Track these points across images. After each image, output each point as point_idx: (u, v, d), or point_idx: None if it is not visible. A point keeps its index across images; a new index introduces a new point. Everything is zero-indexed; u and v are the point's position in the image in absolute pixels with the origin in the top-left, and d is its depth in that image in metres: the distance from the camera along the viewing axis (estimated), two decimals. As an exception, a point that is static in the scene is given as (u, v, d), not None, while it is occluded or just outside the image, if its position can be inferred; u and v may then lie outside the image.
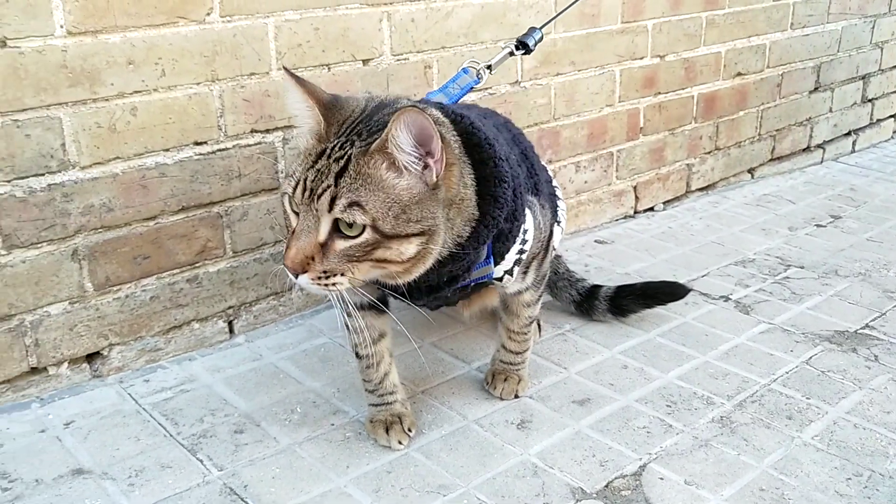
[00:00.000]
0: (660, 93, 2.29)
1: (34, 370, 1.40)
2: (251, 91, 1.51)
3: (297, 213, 1.04)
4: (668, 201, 2.47)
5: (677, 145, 2.41)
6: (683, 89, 2.36)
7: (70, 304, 1.40)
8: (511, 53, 1.41)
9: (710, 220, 2.39)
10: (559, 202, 1.52)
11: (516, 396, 1.45)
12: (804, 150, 2.90)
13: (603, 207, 2.27)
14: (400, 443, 1.30)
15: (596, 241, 2.21)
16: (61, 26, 1.28)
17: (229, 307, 1.60)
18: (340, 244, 1.01)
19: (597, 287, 1.71)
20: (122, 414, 1.38)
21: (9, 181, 1.29)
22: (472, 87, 1.32)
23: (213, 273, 1.56)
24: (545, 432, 1.36)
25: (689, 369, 1.57)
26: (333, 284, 1.01)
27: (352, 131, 1.03)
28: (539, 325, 1.64)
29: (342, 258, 1.01)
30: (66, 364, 1.43)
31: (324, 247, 1.01)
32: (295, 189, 1.02)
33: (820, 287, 1.95)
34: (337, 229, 1.00)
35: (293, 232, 1.03)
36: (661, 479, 1.25)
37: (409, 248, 1.02)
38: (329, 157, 1.01)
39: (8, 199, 1.30)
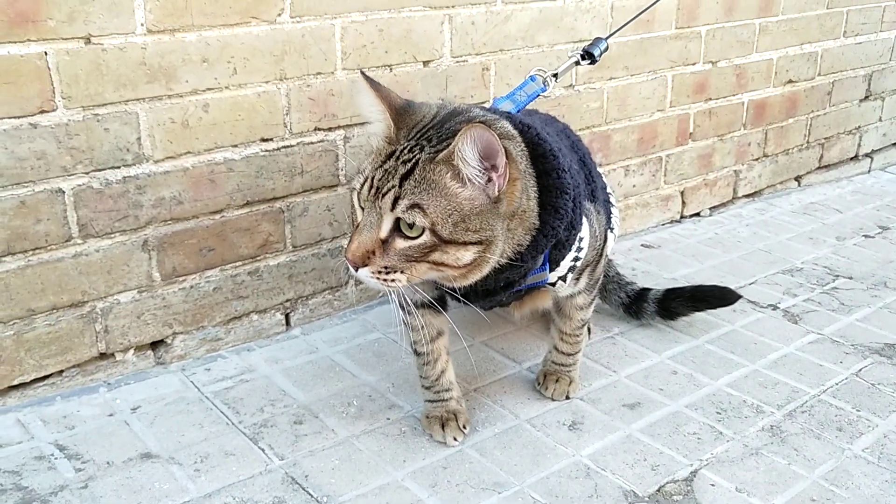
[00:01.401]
0: (710, 98, 2.30)
1: (102, 356, 1.45)
2: (316, 90, 1.55)
3: (363, 209, 1.07)
4: (714, 207, 2.48)
5: (725, 151, 2.41)
6: (734, 95, 2.36)
7: (138, 292, 1.45)
8: (577, 63, 1.44)
9: (757, 227, 2.39)
10: (613, 208, 1.54)
11: (567, 398, 1.47)
12: (852, 158, 2.89)
13: (650, 212, 2.29)
14: (455, 439, 1.33)
15: (643, 245, 2.22)
16: (142, 24, 1.32)
17: (287, 300, 1.65)
18: (400, 243, 1.04)
19: (646, 290, 1.73)
20: (186, 401, 1.42)
21: (87, 173, 1.34)
22: (538, 95, 1.34)
23: (273, 266, 1.60)
24: (596, 434, 1.39)
25: (738, 377, 1.59)
26: (392, 280, 1.05)
27: (422, 136, 1.06)
28: (589, 329, 1.66)
29: (401, 257, 1.04)
30: (132, 351, 1.48)
31: (384, 243, 1.04)
32: (363, 186, 1.05)
33: (869, 298, 1.95)
34: (398, 229, 1.04)
35: (357, 226, 1.06)
36: (713, 485, 1.27)
37: (466, 254, 1.05)
38: (397, 158, 1.04)
39: (86, 191, 1.34)
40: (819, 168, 2.79)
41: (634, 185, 2.21)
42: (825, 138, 2.73)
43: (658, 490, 1.26)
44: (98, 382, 1.45)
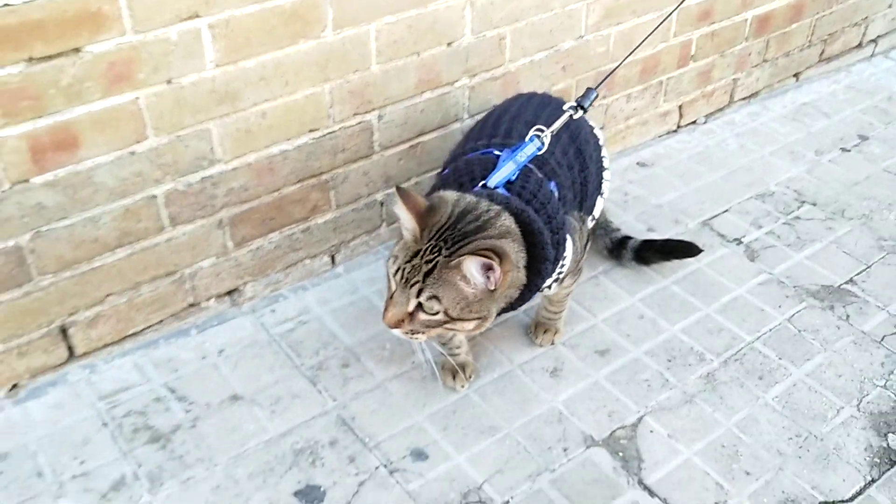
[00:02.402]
0: (714, 22, 2.48)
1: (191, 305, 1.87)
2: (355, 84, 1.83)
3: (395, 286, 1.44)
4: (710, 114, 2.73)
5: (725, 65, 2.63)
6: (738, 15, 2.53)
7: (216, 258, 1.84)
8: (570, 117, 1.69)
9: (746, 137, 2.66)
10: (605, 172, 1.87)
11: (552, 343, 1.90)
12: (855, 47, 3.04)
13: (648, 128, 2.56)
14: (462, 386, 1.77)
15: (638, 163, 2.53)
16: (211, 61, 1.60)
17: (332, 245, 2.03)
18: (422, 316, 1.42)
19: (626, 238, 2.08)
20: (259, 344, 1.86)
21: (174, 179, 1.68)
22: (536, 154, 1.62)
23: (321, 223, 1.97)
24: (571, 382, 1.82)
25: (691, 322, 1.98)
26: (416, 337, 1.44)
27: (440, 237, 1.40)
28: (580, 269, 2.04)
29: (422, 324, 1.42)
30: (213, 299, 1.90)
31: (411, 315, 1.42)
32: (396, 272, 1.41)
33: (823, 231, 2.28)
34: (420, 307, 1.41)
35: (391, 297, 1.43)
36: (651, 431, 1.72)
37: (469, 325, 1.43)
38: (422, 258, 1.39)
39: (174, 192, 1.69)
40: (820, 62, 2.97)
41: (635, 108, 2.48)
42: (829, 34, 2.89)
43: (610, 435, 1.71)
44: (189, 326, 1.88)
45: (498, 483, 1.59)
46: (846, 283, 2.11)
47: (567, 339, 1.92)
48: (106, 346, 1.78)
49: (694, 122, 2.70)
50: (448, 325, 1.43)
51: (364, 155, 1.94)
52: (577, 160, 1.75)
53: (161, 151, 1.62)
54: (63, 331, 1.70)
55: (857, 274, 2.14)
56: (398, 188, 1.43)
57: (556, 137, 1.62)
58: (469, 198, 1.46)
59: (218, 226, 1.80)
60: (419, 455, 1.63)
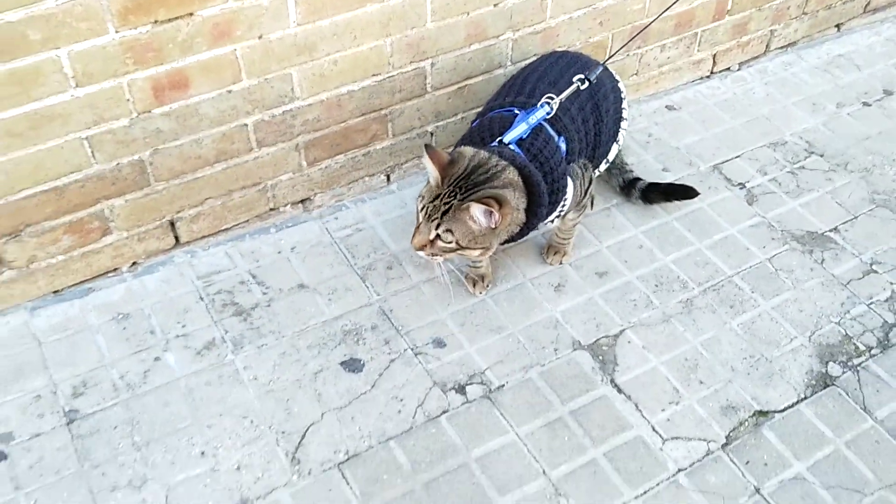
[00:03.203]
0: (753, -21, 2.71)
1: (271, 210, 2.34)
2: (412, 38, 2.20)
3: (421, 218, 1.86)
4: (744, 62, 2.99)
5: (762, 18, 2.87)
6: (778, -28, 2.75)
7: (293, 173, 2.29)
8: (578, 88, 2.03)
9: (774, 86, 2.92)
10: (623, 123, 2.23)
11: (560, 264, 2.31)
12: (902, -1, 3.19)
13: (681, 74, 2.85)
14: (480, 293, 2.21)
15: (666, 106, 2.84)
16: (294, 22, 2.00)
17: (388, 166, 2.45)
18: (439, 243, 1.84)
19: (636, 180, 2.42)
20: (323, 245, 2.33)
21: (261, 112, 2.11)
22: (545, 119, 1.97)
23: (380, 149, 2.39)
24: (570, 296, 2.23)
25: (683, 255, 2.35)
26: (435, 258, 1.87)
27: (456, 185, 1.80)
28: (592, 201, 2.41)
29: (440, 250, 1.85)
30: (289, 205, 2.36)
31: (431, 242, 1.85)
32: (422, 209, 1.83)
33: (822, 182, 2.58)
34: (438, 237, 1.83)
35: (417, 227, 1.86)
36: (629, 342, 2.14)
37: (475, 252, 1.85)
38: (441, 200, 1.80)
39: (260, 122, 2.13)
40: (865, 13, 3.16)
41: (668, 57, 2.77)
42: (874, -12, 3.06)
43: (594, 342, 2.13)
44: (269, 225, 2.36)
45: (498, 370, 2.03)
46: (830, 230, 2.42)
47: (574, 260, 2.31)
48: (204, 237, 2.27)
49: (727, 70, 2.96)
50: (459, 252, 1.86)
51: (418, 94, 2.33)
52: (593, 114, 2.11)
53: (252, 90, 2.05)
54: (171, 224, 2.20)
55: (843, 223, 2.44)
56: (427, 146, 1.83)
57: (573, 95, 1.98)
58: (483, 154, 1.85)
59: (295, 148, 2.23)
60: (439, 343, 2.09)
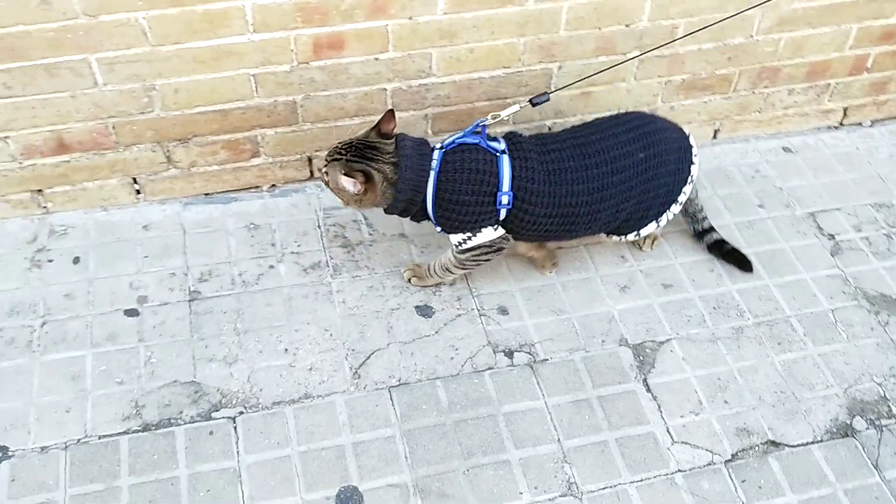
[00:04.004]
0: (898, 43, 2.78)
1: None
2: (543, 42, 2.47)
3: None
4: (878, 120, 3.05)
5: (904, 80, 2.93)
6: (927, 41, 2.80)
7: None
8: (520, 107, 2.19)
9: (902, 150, 2.97)
10: (675, 206, 2.32)
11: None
12: None
13: (807, 119, 2.96)
14: (549, 272, 2.48)
15: (783, 147, 2.96)
16: (441, 10, 2.31)
17: (503, 149, 2.75)
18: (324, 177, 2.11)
19: (708, 231, 2.50)
20: (430, 205, 2.66)
21: (400, 81, 2.45)
22: (474, 130, 2.12)
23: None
24: (632, 299, 2.46)
25: (749, 286, 2.52)
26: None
27: (358, 146, 2.05)
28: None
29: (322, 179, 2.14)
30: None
31: (322, 169, 2.12)
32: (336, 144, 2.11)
33: (914, 250, 2.66)
34: (325, 172, 2.09)
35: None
36: (671, 351, 2.35)
37: (343, 200, 2.14)
38: (344, 148, 2.06)
39: (398, 90, 2.47)
40: None
41: (796, 101, 2.89)
42: None
43: (640, 343, 2.36)
44: (390, 178, 2.71)
45: (547, 346, 2.31)
46: (905, 298, 2.51)
47: (645, 267, 2.53)
48: (334, 176, 2.65)
49: (858, 124, 3.03)
50: (332, 191, 2.14)
51: (541, 92, 2.60)
52: (635, 170, 2.20)
53: (395, 61, 2.40)
54: (309, 159, 2.60)
55: (922, 294, 2.52)
56: (390, 110, 2.07)
57: (596, 138, 2.16)
58: (405, 142, 2.08)
59: (423, 118, 2.57)
60: (503, 311, 2.39)
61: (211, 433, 2.04)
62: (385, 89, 2.43)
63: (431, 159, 2.09)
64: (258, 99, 2.36)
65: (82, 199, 2.45)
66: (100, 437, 2.02)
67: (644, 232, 2.36)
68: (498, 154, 2.10)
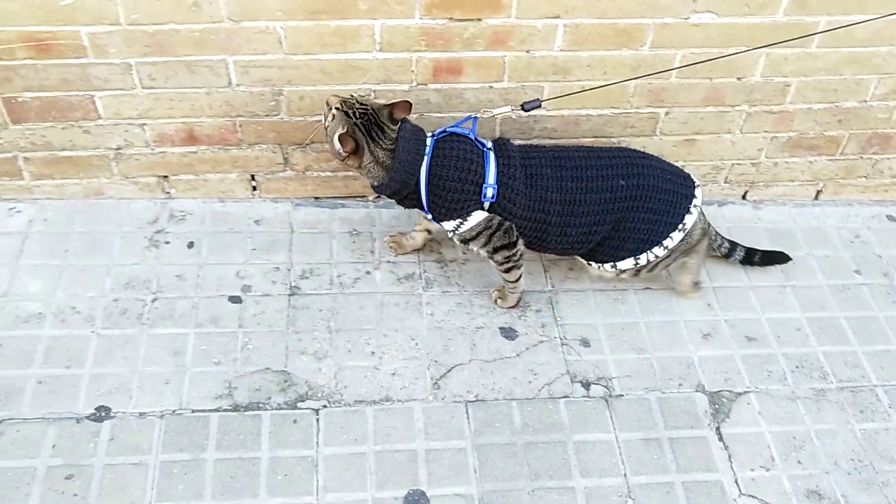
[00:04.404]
0: None
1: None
2: (654, 87, 2.53)
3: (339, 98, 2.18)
4: None
5: None
6: None
7: (521, 167, 2.72)
8: (511, 110, 2.26)
9: None
10: (658, 248, 2.33)
11: (497, 304, 2.46)
12: None
13: (919, 190, 2.93)
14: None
15: (888, 216, 2.93)
16: (558, 47, 2.41)
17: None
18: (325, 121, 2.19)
19: (731, 250, 2.56)
20: (524, 232, 2.74)
21: (511, 109, 2.55)
22: (469, 120, 2.23)
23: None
24: (714, 347, 2.47)
25: (837, 350, 2.50)
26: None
27: (364, 112, 2.13)
28: (518, 257, 2.34)
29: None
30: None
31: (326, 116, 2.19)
32: (350, 97, 2.19)
33: None
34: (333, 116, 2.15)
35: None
36: (748, 403, 2.36)
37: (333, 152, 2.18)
38: (355, 106, 2.15)
39: (507, 119, 2.58)
40: None
41: (906, 171, 2.87)
42: None
43: (717, 392, 2.38)
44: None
45: (624, 382, 2.36)
46: None
47: (731, 318, 2.55)
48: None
49: (973, 201, 2.98)
50: (323, 129, 2.22)
51: (646, 134, 2.66)
52: (606, 197, 2.25)
53: (508, 91, 2.50)
54: (415, 176, 2.71)
55: None
56: (407, 101, 2.15)
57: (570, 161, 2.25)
58: (406, 126, 2.17)
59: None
60: (584, 343, 2.44)
61: (295, 421, 2.15)
62: (495, 117, 2.53)
63: (426, 146, 2.17)
64: (375, 113, 2.49)
65: (202, 189, 2.63)
66: (193, 411, 2.15)
67: (621, 265, 2.36)
68: (485, 149, 2.20)
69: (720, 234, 2.54)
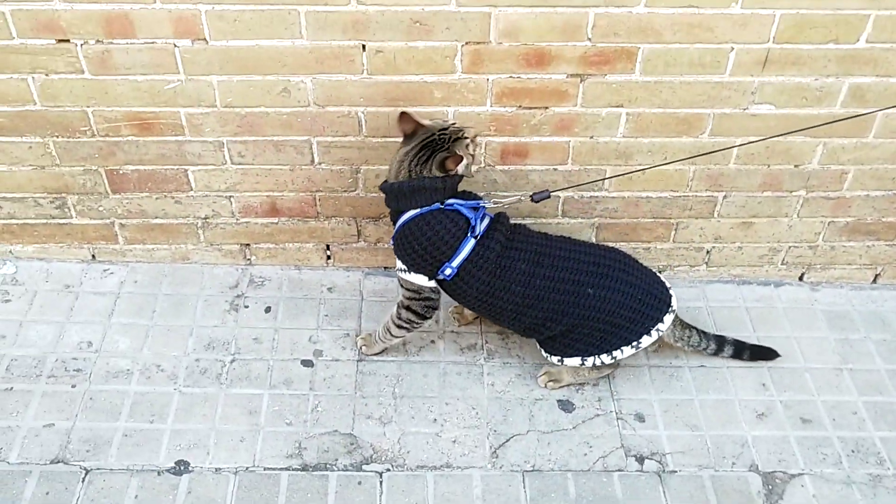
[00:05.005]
0: None
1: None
2: (713, 172, 2.63)
3: None
4: None
5: None
6: None
7: (582, 244, 2.84)
8: (520, 200, 2.34)
9: None
10: (605, 355, 2.37)
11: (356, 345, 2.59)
12: None
13: (975, 278, 2.95)
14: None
15: (944, 304, 2.95)
16: (620, 133, 2.54)
17: (662, 265, 2.89)
18: None
19: (720, 347, 2.60)
20: (584, 306, 2.85)
21: (573, 192, 2.69)
22: (476, 206, 2.28)
23: (659, 248, 2.84)
24: (768, 427, 2.51)
25: (893, 436, 2.53)
26: None
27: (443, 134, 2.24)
28: (411, 323, 2.57)
29: None
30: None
31: None
32: None
33: None
34: None
35: None
36: (802, 486, 2.39)
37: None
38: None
39: (570, 198, 2.71)
40: None
41: (965, 258, 2.90)
42: None
43: (771, 473, 2.41)
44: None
45: (677, 458, 2.42)
46: None
47: (786, 399, 2.60)
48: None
49: None
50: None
51: (705, 216, 2.76)
52: (570, 280, 2.29)
53: (571, 173, 2.63)
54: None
55: None
56: (403, 111, 2.22)
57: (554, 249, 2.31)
58: (438, 178, 2.23)
59: (590, 226, 2.78)
60: (640, 418, 2.52)
61: (359, 483, 2.27)
62: (558, 196, 2.66)
63: (428, 202, 2.23)
64: (444, 191, 2.65)
65: (280, 257, 2.80)
66: (265, 469, 2.29)
67: (569, 362, 2.41)
68: (469, 236, 2.25)
69: (704, 334, 2.57)
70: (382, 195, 2.33)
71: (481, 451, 2.37)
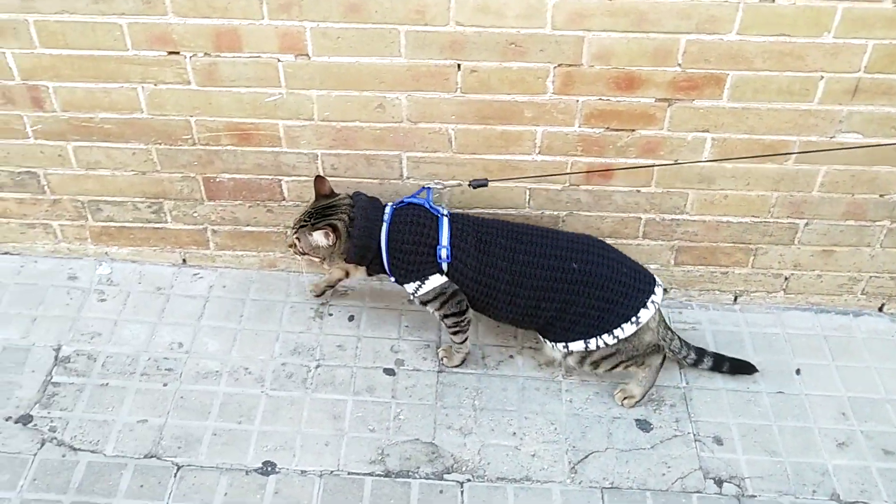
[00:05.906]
0: None
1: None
2: (795, 199, 2.65)
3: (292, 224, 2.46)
4: None
5: None
6: None
7: (660, 265, 2.86)
8: (459, 185, 2.52)
9: None
10: (618, 329, 2.38)
11: (441, 362, 2.59)
12: None
13: None
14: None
15: None
16: (704, 156, 2.58)
17: (738, 289, 2.91)
18: (297, 246, 2.42)
19: (699, 358, 2.63)
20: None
21: (655, 213, 2.72)
22: (422, 192, 2.44)
23: (736, 273, 2.86)
24: (850, 457, 2.49)
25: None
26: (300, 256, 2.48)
27: (312, 214, 2.37)
28: (463, 324, 2.54)
29: (297, 251, 2.46)
30: (647, 288, 2.94)
31: (292, 244, 2.45)
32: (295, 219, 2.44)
33: None
34: (295, 242, 2.39)
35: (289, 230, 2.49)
36: (884, 516, 2.39)
37: (315, 259, 2.44)
38: (305, 217, 2.40)
39: (651, 221, 2.73)
40: None
41: None
42: None
43: (853, 503, 2.41)
44: (627, 297, 2.96)
45: (756, 483, 2.42)
46: None
47: (867, 429, 2.57)
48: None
49: None
50: (306, 257, 2.45)
51: (784, 243, 2.77)
52: (554, 267, 2.37)
53: (654, 195, 2.67)
54: (558, 268, 2.89)
55: None
56: (318, 177, 2.38)
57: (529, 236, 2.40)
58: (360, 196, 2.42)
59: (669, 248, 2.81)
60: (718, 441, 2.53)
61: (441, 492, 2.31)
62: (640, 218, 2.70)
63: (384, 213, 2.37)
64: (528, 210, 2.70)
65: (363, 268, 2.87)
66: (349, 473, 2.34)
67: (573, 346, 2.43)
68: (439, 216, 2.38)
69: (686, 343, 2.60)
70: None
71: (560, 466, 2.40)
